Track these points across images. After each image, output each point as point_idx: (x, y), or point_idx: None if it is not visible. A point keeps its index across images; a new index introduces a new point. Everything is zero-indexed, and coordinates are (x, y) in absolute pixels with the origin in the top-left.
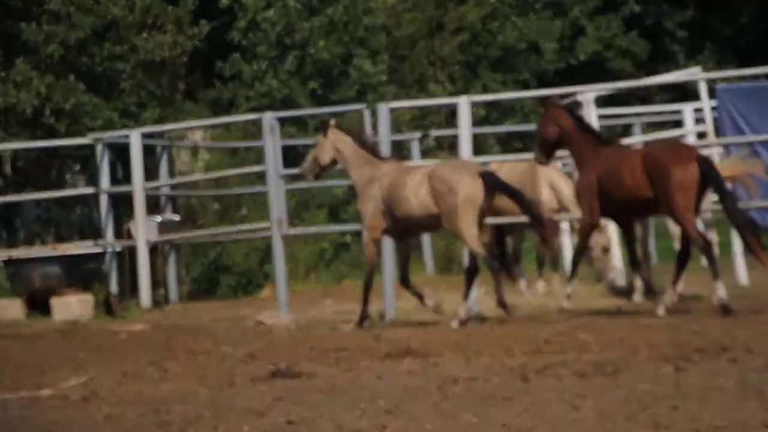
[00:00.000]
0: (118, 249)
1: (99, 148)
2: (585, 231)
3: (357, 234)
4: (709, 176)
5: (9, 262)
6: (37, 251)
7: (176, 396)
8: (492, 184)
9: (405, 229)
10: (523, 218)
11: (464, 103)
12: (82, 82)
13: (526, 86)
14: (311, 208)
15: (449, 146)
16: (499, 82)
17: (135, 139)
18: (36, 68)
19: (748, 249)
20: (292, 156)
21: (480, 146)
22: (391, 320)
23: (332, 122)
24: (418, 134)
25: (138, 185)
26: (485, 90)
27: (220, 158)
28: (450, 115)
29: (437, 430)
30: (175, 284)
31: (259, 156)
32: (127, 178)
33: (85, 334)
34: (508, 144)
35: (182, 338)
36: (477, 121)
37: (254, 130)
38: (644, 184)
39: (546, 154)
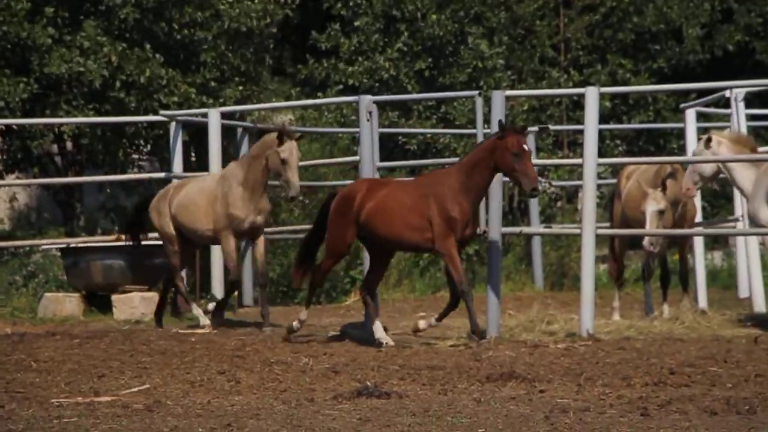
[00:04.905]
0: None
1: (173, 127)
2: None
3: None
4: None
5: (67, 252)
6: (99, 241)
7: (249, 410)
8: None
9: None
10: None
11: (592, 94)
12: (158, 53)
13: (663, 77)
14: None
15: (569, 144)
16: (628, 71)
17: (214, 120)
18: (107, 33)
19: None
20: (390, 146)
21: (604, 145)
22: (493, 338)
23: None
24: (534, 128)
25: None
26: (614, 81)
27: (309, 145)
28: (572, 107)
29: None
30: (250, 285)
31: (354, 144)
32: (201, 163)
33: (149, 336)
34: (635, 143)
35: (256, 346)
36: (601, 117)
37: (350, 113)
38: None
39: None
